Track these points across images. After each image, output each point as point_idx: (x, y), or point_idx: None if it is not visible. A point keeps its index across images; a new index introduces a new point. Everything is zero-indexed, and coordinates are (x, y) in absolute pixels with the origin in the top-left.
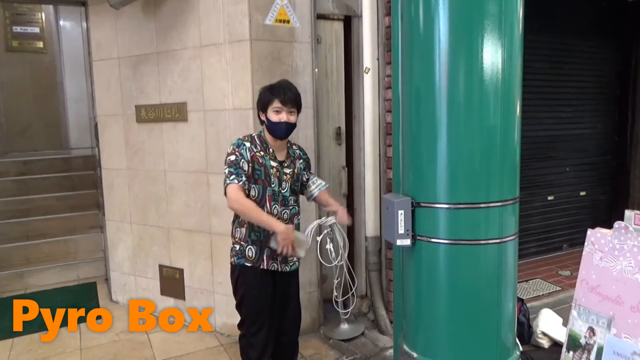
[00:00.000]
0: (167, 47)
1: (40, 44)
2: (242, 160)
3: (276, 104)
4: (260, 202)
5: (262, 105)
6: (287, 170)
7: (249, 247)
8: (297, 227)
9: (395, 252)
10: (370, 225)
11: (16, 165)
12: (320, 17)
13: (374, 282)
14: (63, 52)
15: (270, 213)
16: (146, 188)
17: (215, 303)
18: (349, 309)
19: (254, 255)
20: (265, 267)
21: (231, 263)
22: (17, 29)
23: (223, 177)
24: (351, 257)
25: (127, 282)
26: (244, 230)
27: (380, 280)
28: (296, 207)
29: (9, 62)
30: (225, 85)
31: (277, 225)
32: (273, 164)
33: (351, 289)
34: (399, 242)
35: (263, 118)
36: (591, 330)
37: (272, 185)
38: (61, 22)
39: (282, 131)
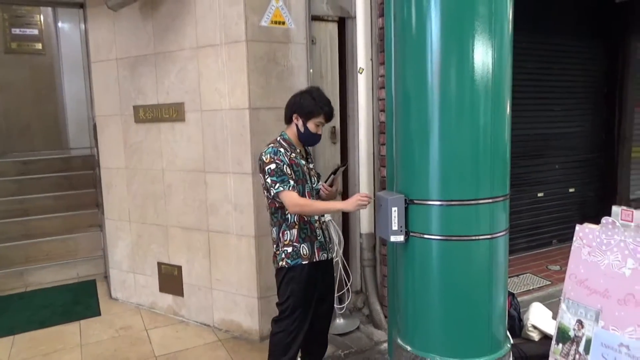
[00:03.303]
0: (164, 48)
1: (39, 46)
2: (284, 165)
3: (321, 118)
4: None
5: (306, 114)
6: (311, 166)
7: (302, 245)
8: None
9: (389, 248)
10: (364, 222)
11: (16, 166)
12: (315, 18)
13: (368, 278)
14: (62, 53)
15: None
16: (144, 187)
17: (213, 299)
18: (345, 304)
19: (308, 252)
20: (318, 259)
21: (282, 267)
22: (16, 30)
23: (266, 186)
24: (346, 253)
25: (126, 279)
26: (294, 231)
27: (375, 276)
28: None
29: (8, 64)
30: (222, 86)
31: (342, 204)
32: (303, 162)
33: (346, 285)
34: (392, 239)
35: (298, 123)
36: (580, 323)
37: (308, 183)
38: (60, 24)
39: (316, 142)
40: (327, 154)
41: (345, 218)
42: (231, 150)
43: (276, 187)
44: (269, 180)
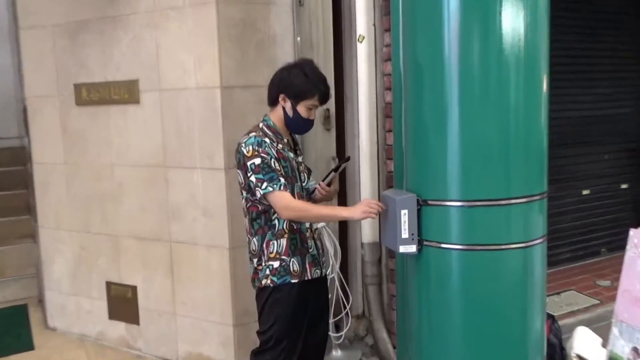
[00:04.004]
0: (113, 11)
1: None
2: (272, 159)
3: (315, 100)
4: None
5: (296, 94)
6: (300, 159)
7: (293, 259)
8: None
9: (398, 261)
10: (367, 228)
11: None
12: None
13: (372, 299)
14: None
15: None
16: (89, 186)
17: (177, 328)
18: (343, 332)
19: (298, 268)
20: (310, 277)
21: (266, 286)
22: None
23: (249, 186)
24: (344, 268)
25: (66, 303)
26: (283, 242)
27: (381, 296)
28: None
29: None
30: (187, 59)
31: (347, 211)
32: (291, 155)
33: (345, 308)
34: (402, 249)
35: (286, 106)
36: (635, 351)
37: (298, 181)
38: None
39: (307, 130)
40: (319, 143)
41: (343, 224)
42: (199, 140)
43: (263, 187)
44: (253, 178)
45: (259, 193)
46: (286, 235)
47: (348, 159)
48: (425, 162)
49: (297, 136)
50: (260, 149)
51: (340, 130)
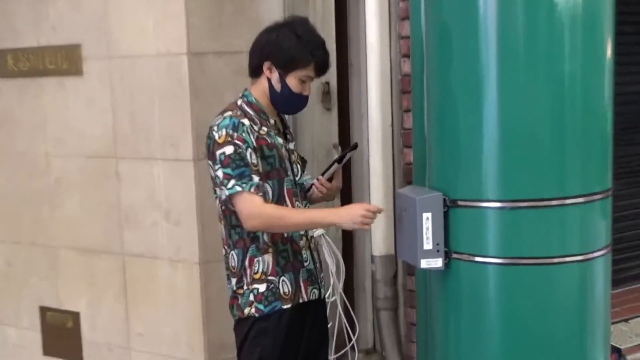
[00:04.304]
0: None
1: None
2: (248, 149)
3: (310, 70)
4: (278, 202)
5: (286, 62)
6: (291, 146)
7: (283, 278)
8: None
9: (418, 280)
10: (378, 237)
11: None
12: None
13: (385, 328)
14: None
15: None
16: (17, 183)
17: None
18: None
19: (290, 289)
20: (306, 299)
21: (249, 316)
22: None
23: (217, 181)
24: (349, 288)
25: None
26: (269, 257)
27: (396, 325)
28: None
29: None
30: (144, 17)
31: (334, 215)
32: (280, 141)
33: (350, 340)
34: (424, 264)
35: (272, 77)
36: None
37: (289, 175)
38: None
39: (300, 108)
40: (316, 127)
41: (347, 231)
42: (160, 123)
43: (230, 185)
44: (220, 173)
45: (225, 193)
46: (271, 249)
47: (355, 146)
48: (455, 152)
49: (287, 117)
50: (236, 134)
51: (343, 110)
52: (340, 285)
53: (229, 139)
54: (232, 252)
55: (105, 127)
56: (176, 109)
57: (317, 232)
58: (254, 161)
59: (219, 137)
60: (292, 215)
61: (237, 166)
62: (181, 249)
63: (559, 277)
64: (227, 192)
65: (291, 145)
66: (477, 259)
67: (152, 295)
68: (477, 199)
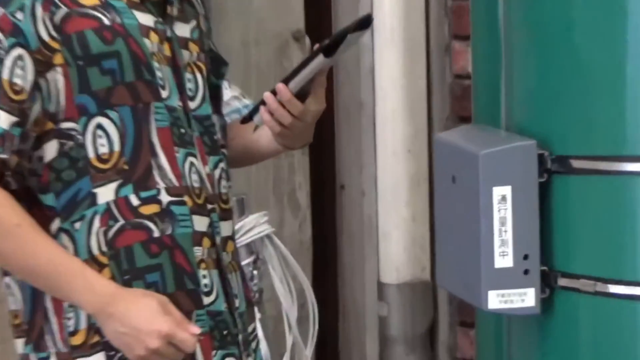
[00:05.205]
0: None
1: None
2: (16, 49)
3: None
4: (133, 159)
5: None
6: (187, 29)
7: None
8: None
9: (482, 334)
10: (394, 246)
11: None
12: None
13: None
14: None
15: (181, 186)
16: None
17: None
18: None
19: None
20: None
21: None
22: None
23: None
24: (330, 355)
25: None
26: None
27: None
28: (224, 158)
29: None
30: None
31: (112, 306)
32: (144, 16)
33: None
34: (496, 301)
35: None
36: None
37: (167, 95)
38: None
39: None
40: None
41: (329, 225)
42: None
43: None
44: None
45: None
46: (108, 267)
47: (367, 20)
48: (566, 60)
49: None
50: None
51: None
52: (309, 352)
53: None
54: (12, 283)
55: None
56: None
57: (264, 229)
58: (19, 79)
59: None
60: (34, 239)
61: None
62: None
63: None
64: None
65: (184, 29)
66: (618, 289)
67: None
68: (619, 156)
